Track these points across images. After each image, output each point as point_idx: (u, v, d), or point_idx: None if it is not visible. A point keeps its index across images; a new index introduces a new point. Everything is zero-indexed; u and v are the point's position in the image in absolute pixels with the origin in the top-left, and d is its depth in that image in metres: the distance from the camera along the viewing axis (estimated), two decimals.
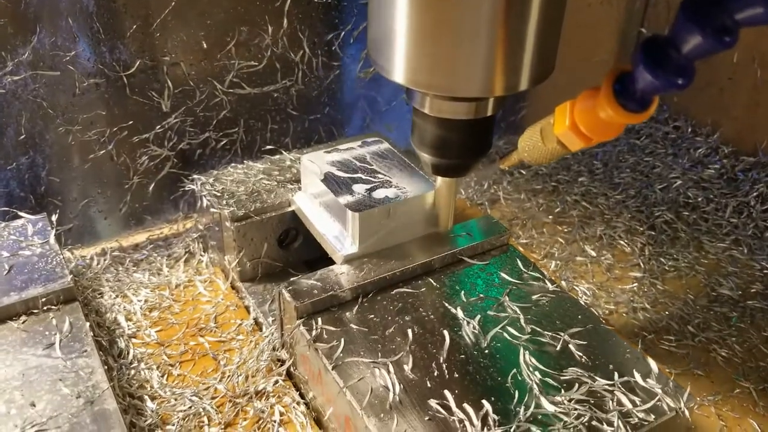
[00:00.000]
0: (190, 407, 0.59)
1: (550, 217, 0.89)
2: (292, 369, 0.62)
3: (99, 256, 0.76)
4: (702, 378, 0.68)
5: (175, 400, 0.60)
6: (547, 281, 0.63)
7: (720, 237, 0.86)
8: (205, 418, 0.59)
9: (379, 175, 0.67)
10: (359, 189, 0.65)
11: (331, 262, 0.65)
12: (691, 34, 0.38)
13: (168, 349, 0.65)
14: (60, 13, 0.66)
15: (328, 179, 0.66)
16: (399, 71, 0.48)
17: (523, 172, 0.97)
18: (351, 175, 0.67)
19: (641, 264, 0.81)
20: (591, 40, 1.05)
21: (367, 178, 0.66)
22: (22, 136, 0.70)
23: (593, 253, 0.83)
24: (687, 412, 0.52)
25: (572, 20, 0.93)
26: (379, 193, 0.64)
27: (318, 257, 0.73)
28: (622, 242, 0.84)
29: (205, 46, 0.74)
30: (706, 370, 0.69)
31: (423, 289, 0.62)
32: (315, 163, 0.68)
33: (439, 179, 0.62)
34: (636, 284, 0.79)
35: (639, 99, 0.44)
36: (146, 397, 0.59)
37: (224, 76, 0.77)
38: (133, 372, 0.62)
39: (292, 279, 0.61)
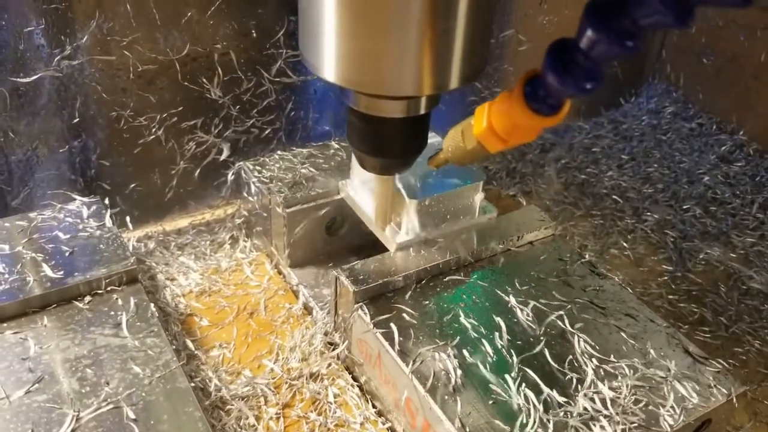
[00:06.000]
0: (248, 388, 0.61)
1: (582, 209, 0.91)
2: (345, 352, 0.64)
3: (144, 240, 0.77)
4: (736, 368, 0.70)
5: (233, 381, 0.61)
6: (594, 271, 0.65)
7: (747, 233, 0.88)
8: (262, 399, 0.60)
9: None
10: (412, 177, 0.66)
11: (375, 249, 0.66)
12: (595, 38, 0.37)
13: (221, 331, 0.67)
14: None
15: None
16: (329, 69, 0.47)
17: (553, 166, 0.99)
18: None
19: (673, 257, 0.83)
20: None
21: (418, 166, 0.67)
22: (76, 120, 0.71)
23: (626, 246, 0.85)
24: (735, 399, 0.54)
25: None
26: (432, 182, 0.65)
27: (362, 244, 0.75)
28: (653, 235, 0.86)
29: (254, 35, 0.75)
30: (740, 361, 0.71)
31: (475, 277, 0.64)
32: None
33: (376, 177, 0.62)
34: (668, 277, 0.81)
35: (550, 103, 0.44)
36: (205, 377, 0.61)
37: (271, 65, 0.78)
38: (190, 353, 0.63)
39: (347, 265, 0.62)
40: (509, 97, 0.45)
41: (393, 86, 0.46)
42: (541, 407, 0.51)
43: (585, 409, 0.51)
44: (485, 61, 0.50)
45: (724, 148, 1.02)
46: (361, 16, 0.44)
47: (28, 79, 0.66)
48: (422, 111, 0.52)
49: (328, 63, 0.47)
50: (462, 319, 0.59)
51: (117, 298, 0.59)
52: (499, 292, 0.62)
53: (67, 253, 0.62)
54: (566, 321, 0.59)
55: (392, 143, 0.54)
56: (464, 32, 0.45)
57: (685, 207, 0.90)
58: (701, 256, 0.84)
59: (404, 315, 0.59)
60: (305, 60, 0.49)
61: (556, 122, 0.45)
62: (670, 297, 0.78)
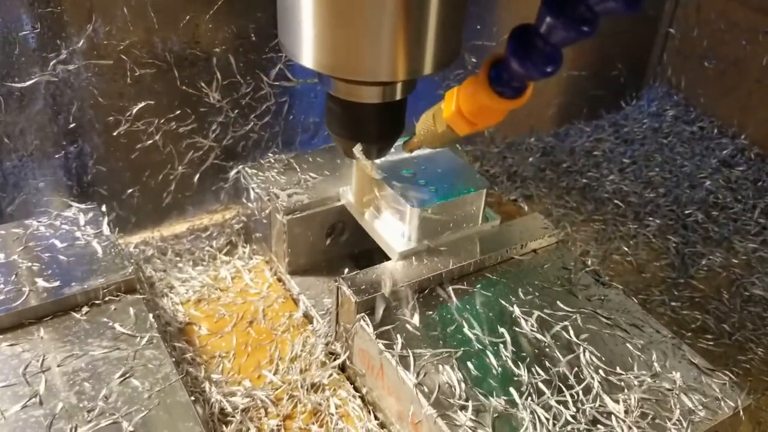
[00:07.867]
0: (248, 399, 0.60)
1: (584, 214, 0.90)
2: (347, 362, 0.63)
3: (142, 246, 0.76)
4: (739, 376, 0.69)
5: (233, 392, 0.60)
6: (599, 280, 0.64)
7: (749, 238, 0.88)
8: (262, 411, 0.59)
9: (434, 172, 0.67)
10: (414, 185, 0.65)
11: (377, 255, 0.65)
12: (553, 24, 0.39)
13: (220, 340, 0.66)
14: (116, 2, 0.65)
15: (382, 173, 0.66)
16: (307, 55, 0.49)
17: (554, 169, 0.98)
18: (405, 170, 0.67)
19: (675, 263, 0.83)
20: (615, 40, 1.06)
21: (422, 174, 0.67)
22: (72, 125, 0.69)
23: (628, 251, 0.84)
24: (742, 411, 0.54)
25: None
26: (434, 189, 0.65)
27: (364, 250, 0.74)
28: (655, 241, 0.86)
29: (254, 38, 0.74)
30: (743, 369, 0.70)
31: (478, 286, 0.63)
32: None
33: (354, 162, 0.64)
34: (671, 283, 0.80)
35: (513, 86, 0.46)
36: (204, 388, 0.60)
37: (270, 69, 0.77)
38: (189, 363, 0.62)
39: (348, 274, 0.61)
40: (475, 81, 0.47)
41: (369, 72, 0.48)
42: (546, 421, 0.51)
43: (592, 422, 0.51)
44: (459, 47, 0.52)
45: (725, 152, 1.01)
46: (337, 2, 0.45)
47: (22, 84, 0.65)
48: (398, 96, 0.53)
49: (306, 49, 0.48)
50: (466, 329, 0.58)
51: (115, 309, 0.58)
52: (503, 302, 0.61)
53: (63, 263, 0.61)
54: (571, 332, 0.58)
55: (370, 128, 0.56)
56: (437, 19, 0.47)
57: (686, 212, 0.90)
58: (703, 262, 0.83)
59: (407, 325, 0.58)
60: (283, 46, 0.51)
61: (520, 104, 0.47)
62: (673, 304, 0.77)
